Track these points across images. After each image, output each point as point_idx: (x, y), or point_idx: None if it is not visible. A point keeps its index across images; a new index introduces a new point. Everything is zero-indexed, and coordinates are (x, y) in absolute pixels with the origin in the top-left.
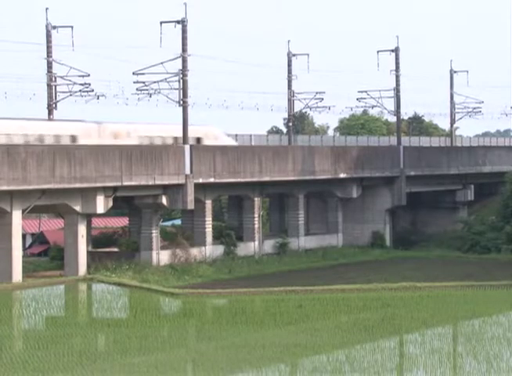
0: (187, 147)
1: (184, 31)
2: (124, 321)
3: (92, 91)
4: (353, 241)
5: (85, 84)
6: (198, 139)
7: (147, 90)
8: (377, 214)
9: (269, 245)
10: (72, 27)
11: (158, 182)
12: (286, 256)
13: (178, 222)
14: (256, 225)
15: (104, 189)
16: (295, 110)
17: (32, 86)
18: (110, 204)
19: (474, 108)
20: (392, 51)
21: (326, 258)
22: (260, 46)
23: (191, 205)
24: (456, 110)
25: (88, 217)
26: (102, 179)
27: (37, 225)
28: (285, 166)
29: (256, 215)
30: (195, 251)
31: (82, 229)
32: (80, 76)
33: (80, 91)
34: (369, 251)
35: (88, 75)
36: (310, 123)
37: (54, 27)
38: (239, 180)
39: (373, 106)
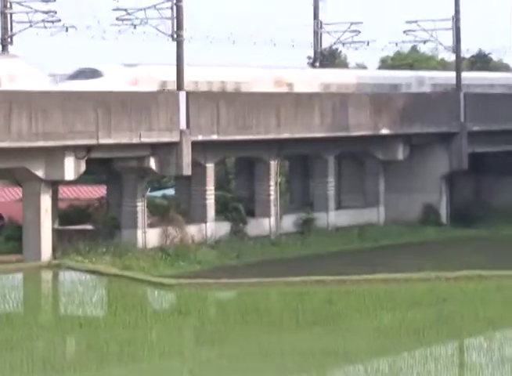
0: (182, 94)
1: None
2: (100, 321)
3: (59, 21)
4: (398, 217)
5: (50, 12)
6: None
7: (130, 20)
8: (430, 181)
9: (289, 222)
10: None
11: (145, 140)
12: (311, 236)
13: (170, 191)
14: (272, 197)
15: (75, 148)
16: (323, 47)
17: None
18: (83, 168)
19: None
20: None
21: (363, 238)
22: None
23: (187, 170)
24: None
25: (54, 185)
26: (72, 136)
27: None
28: (310, 119)
29: (272, 183)
30: (192, 230)
31: (46, 201)
32: (43, 1)
33: (43, 21)
34: (420, 229)
35: (54, 0)
36: (343, 63)
37: None
38: (250, 138)
39: (424, 41)
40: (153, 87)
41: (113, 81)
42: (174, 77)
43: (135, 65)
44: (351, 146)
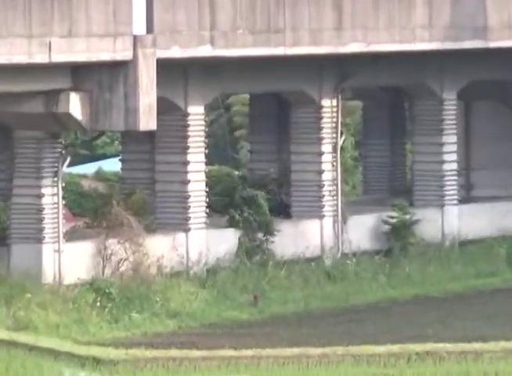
0: None
1: None
2: None
3: None
4: None
5: None
6: None
7: None
8: None
9: (363, 229)
10: None
11: (59, 58)
12: (408, 259)
13: (112, 165)
14: (326, 176)
15: None
16: None
17: None
18: None
19: None
20: None
21: None
22: None
23: (149, 121)
24: None
25: None
26: None
27: None
28: (405, 14)
29: (326, 149)
30: (160, 246)
31: None
32: None
33: None
34: None
35: None
36: None
37: None
38: (279, 52)
39: None
40: None
41: None
42: None
43: None
44: (492, 72)
